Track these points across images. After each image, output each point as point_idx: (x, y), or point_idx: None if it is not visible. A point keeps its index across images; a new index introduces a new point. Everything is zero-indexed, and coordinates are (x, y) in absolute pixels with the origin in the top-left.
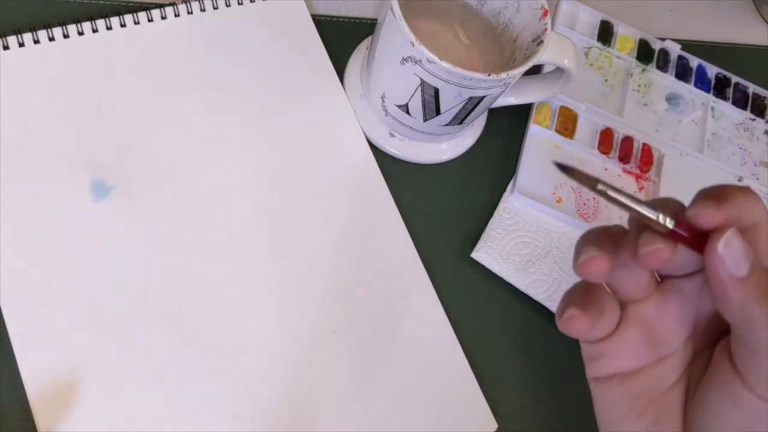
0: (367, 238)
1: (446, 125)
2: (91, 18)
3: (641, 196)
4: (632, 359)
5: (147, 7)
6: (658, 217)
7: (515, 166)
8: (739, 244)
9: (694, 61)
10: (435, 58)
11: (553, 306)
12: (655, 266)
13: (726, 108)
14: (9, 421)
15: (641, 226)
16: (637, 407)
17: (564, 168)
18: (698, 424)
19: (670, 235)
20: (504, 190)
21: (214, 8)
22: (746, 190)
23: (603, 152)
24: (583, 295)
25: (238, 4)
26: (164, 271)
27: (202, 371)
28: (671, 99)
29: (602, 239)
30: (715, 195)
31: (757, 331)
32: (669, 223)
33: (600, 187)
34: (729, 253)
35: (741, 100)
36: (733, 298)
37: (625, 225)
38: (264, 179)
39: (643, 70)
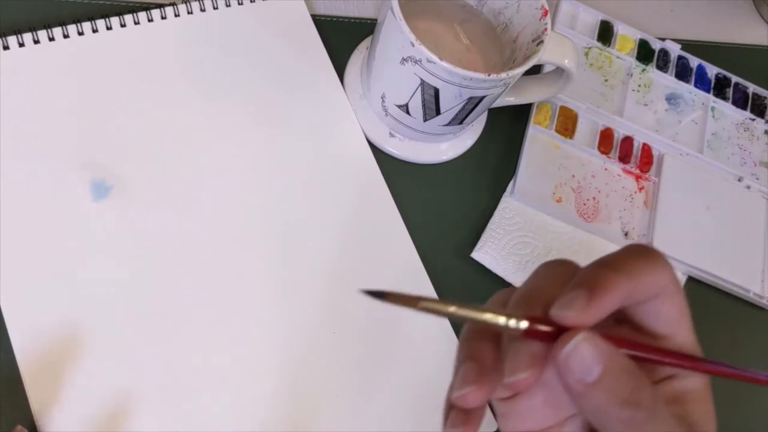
0: (367, 238)
1: (446, 125)
2: (91, 18)
3: (641, 196)
4: (536, 420)
5: (147, 7)
6: (507, 323)
7: (515, 166)
8: (589, 350)
9: (694, 61)
10: (435, 58)
11: None
12: (524, 390)
13: (726, 108)
14: (9, 421)
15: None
16: None
17: (377, 295)
18: None
19: (532, 335)
20: (504, 190)
21: (214, 8)
22: (642, 260)
23: (603, 152)
24: (475, 370)
25: (238, 4)
26: (164, 270)
27: (202, 372)
28: (671, 99)
29: (480, 350)
30: (589, 285)
31: None
32: (522, 325)
33: (422, 305)
34: (577, 360)
35: (741, 100)
36: (583, 405)
37: (621, 230)
38: (264, 179)
39: (643, 70)
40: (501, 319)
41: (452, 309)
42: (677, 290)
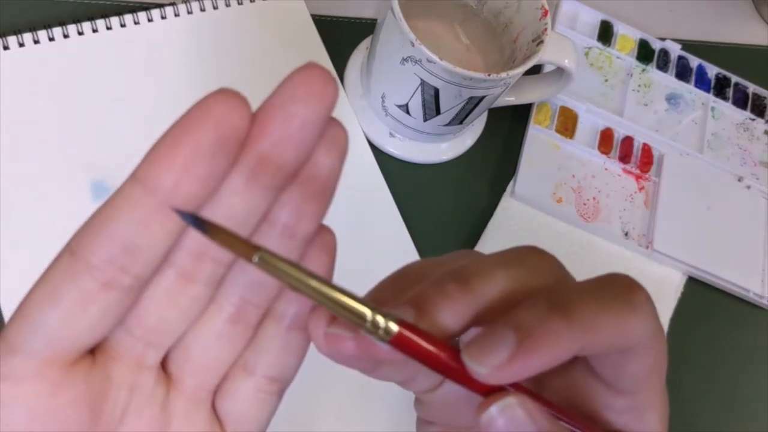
0: (367, 238)
1: (446, 125)
2: (91, 18)
3: (641, 196)
4: (454, 416)
5: (147, 7)
6: (372, 318)
7: (515, 166)
8: (521, 419)
9: (694, 61)
10: (435, 58)
11: None
12: (340, 360)
13: (726, 108)
14: None
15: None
16: None
17: (196, 222)
18: None
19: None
20: (504, 190)
21: (214, 8)
22: (613, 307)
23: (603, 152)
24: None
25: (238, 4)
26: None
27: None
28: (671, 99)
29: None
30: (522, 332)
31: None
32: (392, 328)
33: (261, 257)
34: (507, 429)
35: (741, 100)
36: None
37: (621, 230)
38: None
39: (643, 70)
40: (374, 316)
41: (295, 273)
42: (653, 345)
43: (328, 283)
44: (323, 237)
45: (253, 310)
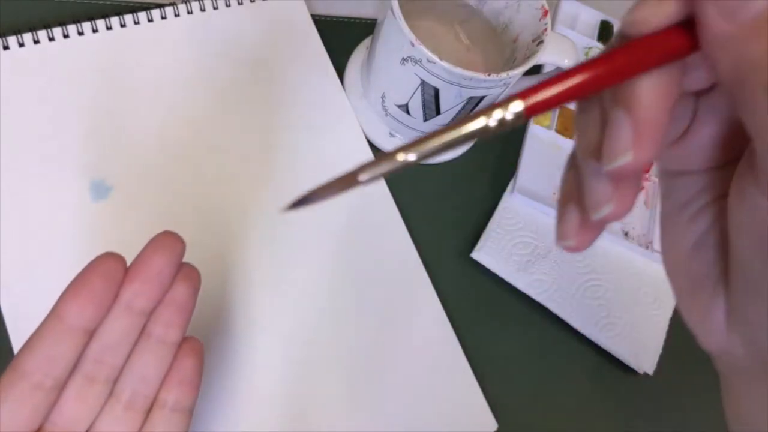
0: (367, 238)
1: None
2: (91, 18)
3: (641, 196)
4: (702, 158)
5: (147, 7)
6: (494, 115)
7: (515, 166)
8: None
9: None
10: (435, 58)
11: (553, 306)
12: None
13: None
14: None
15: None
16: (693, 208)
17: (303, 201)
18: (730, 239)
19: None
20: (504, 190)
21: (214, 8)
22: None
23: None
24: (572, 219)
25: (238, 4)
26: None
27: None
28: None
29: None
30: None
31: (753, 98)
32: (517, 107)
33: (363, 177)
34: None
35: None
36: (721, 57)
37: (621, 230)
38: (263, 179)
39: None
40: (490, 115)
41: (400, 156)
42: None
43: (437, 132)
44: (191, 342)
45: (142, 399)
